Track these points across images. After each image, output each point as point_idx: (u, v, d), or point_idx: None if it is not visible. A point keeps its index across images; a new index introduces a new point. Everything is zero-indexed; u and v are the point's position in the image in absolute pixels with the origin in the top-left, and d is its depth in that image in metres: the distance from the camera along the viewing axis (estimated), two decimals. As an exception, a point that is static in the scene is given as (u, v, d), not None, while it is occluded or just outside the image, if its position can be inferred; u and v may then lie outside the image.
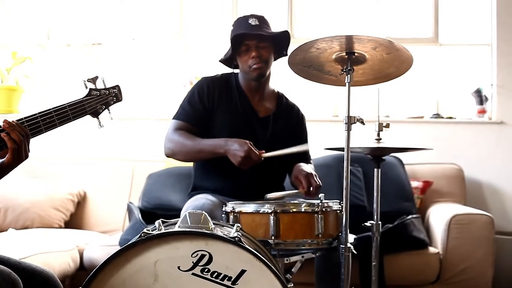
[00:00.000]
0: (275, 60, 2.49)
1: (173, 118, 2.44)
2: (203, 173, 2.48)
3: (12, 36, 4.28)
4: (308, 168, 2.32)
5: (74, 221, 3.48)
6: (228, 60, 2.49)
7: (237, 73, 2.51)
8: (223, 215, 1.99)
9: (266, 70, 2.41)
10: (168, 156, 2.43)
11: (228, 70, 2.56)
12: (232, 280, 1.43)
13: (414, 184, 3.38)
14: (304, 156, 2.51)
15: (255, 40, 2.36)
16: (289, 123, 2.53)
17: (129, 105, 3.79)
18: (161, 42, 4.22)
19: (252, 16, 2.39)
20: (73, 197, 3.48)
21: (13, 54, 4.07)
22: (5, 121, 1.47)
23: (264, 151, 2.20)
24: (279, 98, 2.56)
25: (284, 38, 2.43)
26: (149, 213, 3.10)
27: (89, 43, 4.23)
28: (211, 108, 2.42)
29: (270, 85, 2.53)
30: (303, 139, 2.54)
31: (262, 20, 2.40)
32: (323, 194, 1.93)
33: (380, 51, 1.88)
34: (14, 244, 2.64)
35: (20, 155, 1.47)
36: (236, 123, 2.41)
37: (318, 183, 2.21)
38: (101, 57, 4.22)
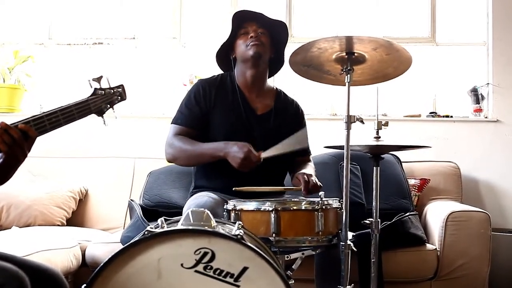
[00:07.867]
0: (270, 71, 2.53)
1: (172, 123, 2.45)
2: (203, 173, 2.49)
3: (14, 35, 4.29)
4: (308, 170, 2.34)
5: (76, 218, 3.50)
6: (224, 64, 2.52)
7: (233, 73, 2.52)
8: (224, 213, 2.01)
9: (263, 50, 2.39)
10: (169, 161, 2.44)
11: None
12: (234, 277, 1.44)
13: (412, 181, 3.41)
14: (304, 151, 2.50)
15: (254, 25, 2.39)
16: (288, 118, 2.52)
17: (130, 103, 3.81)
18: (161, 41, 4.24)
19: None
20: (75, 195, 3.50)
21: (15, 53, 4.09)
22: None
23: (262, 151, 2.19)
24: (278, 94, 2.57)
25: (282, 30, 2.46)
26: (150, 211, 3.13)
27: (90, 42, 4.26)
28: (208, 109, 2.42)
29: (268, 83, 2.55)
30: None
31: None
32: (323, 192, 1.96)
33: (380, 51, 1.91)
34: (18, 242, 2.66)
35: (14, 156, 1.50)
36: (233, 120, 2.41)
37: (314, 182, 2.21)
38: (102, 56, 4.24)
